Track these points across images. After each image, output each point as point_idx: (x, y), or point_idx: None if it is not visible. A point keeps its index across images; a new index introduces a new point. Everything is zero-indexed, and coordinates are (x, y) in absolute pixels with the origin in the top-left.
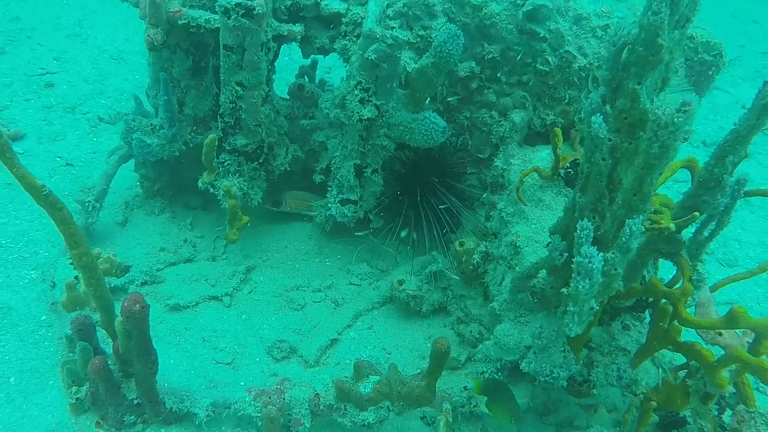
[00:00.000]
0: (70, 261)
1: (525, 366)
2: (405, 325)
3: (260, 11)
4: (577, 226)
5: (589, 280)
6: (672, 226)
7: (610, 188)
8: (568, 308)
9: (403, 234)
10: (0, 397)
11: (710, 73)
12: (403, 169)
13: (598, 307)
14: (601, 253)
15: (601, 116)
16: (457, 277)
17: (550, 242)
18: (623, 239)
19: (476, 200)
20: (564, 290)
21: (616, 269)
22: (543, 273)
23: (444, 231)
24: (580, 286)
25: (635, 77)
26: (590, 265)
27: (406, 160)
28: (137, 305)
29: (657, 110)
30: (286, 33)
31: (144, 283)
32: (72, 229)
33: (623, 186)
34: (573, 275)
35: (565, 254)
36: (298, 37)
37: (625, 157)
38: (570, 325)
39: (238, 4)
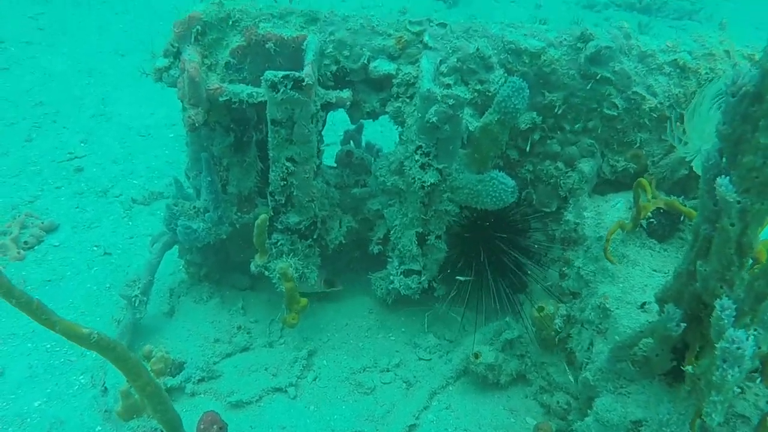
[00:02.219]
0: None
1: None
2: (483, 400)
3: (309, 82)
4: (716, 305)
5: (739, 367)
6: None
7: (739, 254)
8: (711, 398)
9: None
10: None
11: None
12: (463, 230)
13: (738, 389)
14: (750, 335)
15: (727, 177)
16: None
17: (645, 303)
18: None
19: (543, 256)
20: (689, 368)
21: (760, 347)
22: (646, 340)
23: (514, 292)
24: (729, 376)
25: (767, 131)
26: (740, 351)
27: (466, 221)
28: (214, 426)
29: None
30: (334, 100)
31: (201, 380)
32: (129, 364)
33: (754, 250)
34: (717, 362)
35: (683, 324)
36: (347, 103)
37: (755, 220)
38: (712, 415)
39: (285, 77)
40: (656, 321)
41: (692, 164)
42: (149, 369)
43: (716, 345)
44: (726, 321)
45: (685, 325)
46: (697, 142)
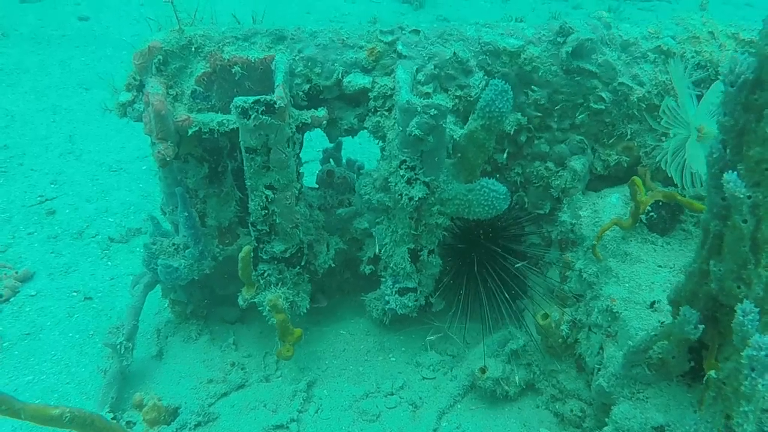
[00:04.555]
0: (112, 416)
1: None
2: (494, 414)
3: (282, 104)
4: (738, 309)
5: None
6: None
7: (755, 250)
8: (741, 408)
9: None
10: None
11: None
12: (456, 241)
13: None
14: None
15: (735, 172)
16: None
17: (654, 302)
18: None
19: (541, 260)
20: (712, 373)
21: None
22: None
23: (513, 300)
24: (759, 385)
25: None
26: None
27: (458, 230)
28: None
29: None
30: (309, 120)
31: (197, 425)
32: None
33: None
34: (745, 371)
35: (701, 327)
36: (324, 122)
37: None
38: (744, 425)
39: (256, 102)
40: (671, 323)
41: (665, 167)
42: (142, 420)
43: (741, 353)
44: (750, 327)
45: (703, 327)
46: (684, 131)
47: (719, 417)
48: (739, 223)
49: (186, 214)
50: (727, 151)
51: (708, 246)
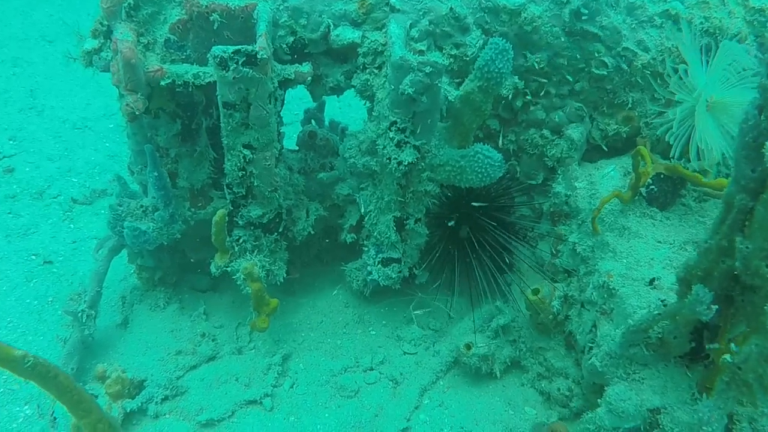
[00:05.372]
0: None
1: None
2: (478, 392)
3: (264, 56)
4: None
5: None
6: None
7: None
8: None
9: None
10: None
11: None
12: (442, 209)
13: None
14: None
15: None
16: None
17: (654, 279)
18: None
19: (530, 232)
20: (727, 357)
21: None
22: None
23: (501, 273)
24: None
25: None
26: None
27: (445, 199)
28: None
29: None
30: (293, 76)
31: (165, 399)
32: (75, 397)
33: None
34: None
35: (715, 308)
36: (308, 78)
37: None
38: None
39: (236, 52)
40: (680, 303)
41: (669, 137)
42: (105, 393)
43: None
44: None
45: (717, 307)
46: (690, 100)
47: (732, 403)
48: None
49: (156, 173)
50: (763, 117)
51: (730, 221)
